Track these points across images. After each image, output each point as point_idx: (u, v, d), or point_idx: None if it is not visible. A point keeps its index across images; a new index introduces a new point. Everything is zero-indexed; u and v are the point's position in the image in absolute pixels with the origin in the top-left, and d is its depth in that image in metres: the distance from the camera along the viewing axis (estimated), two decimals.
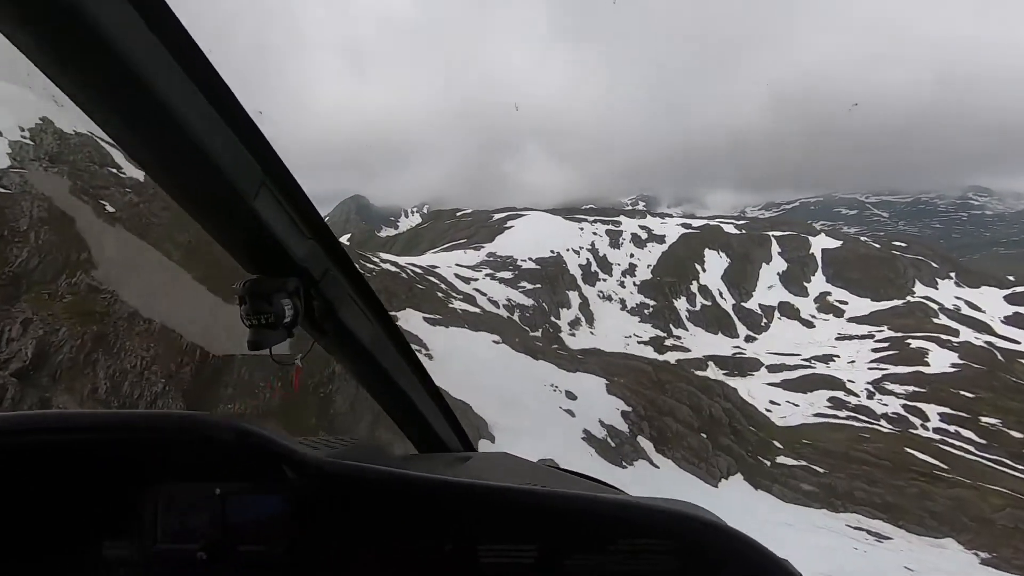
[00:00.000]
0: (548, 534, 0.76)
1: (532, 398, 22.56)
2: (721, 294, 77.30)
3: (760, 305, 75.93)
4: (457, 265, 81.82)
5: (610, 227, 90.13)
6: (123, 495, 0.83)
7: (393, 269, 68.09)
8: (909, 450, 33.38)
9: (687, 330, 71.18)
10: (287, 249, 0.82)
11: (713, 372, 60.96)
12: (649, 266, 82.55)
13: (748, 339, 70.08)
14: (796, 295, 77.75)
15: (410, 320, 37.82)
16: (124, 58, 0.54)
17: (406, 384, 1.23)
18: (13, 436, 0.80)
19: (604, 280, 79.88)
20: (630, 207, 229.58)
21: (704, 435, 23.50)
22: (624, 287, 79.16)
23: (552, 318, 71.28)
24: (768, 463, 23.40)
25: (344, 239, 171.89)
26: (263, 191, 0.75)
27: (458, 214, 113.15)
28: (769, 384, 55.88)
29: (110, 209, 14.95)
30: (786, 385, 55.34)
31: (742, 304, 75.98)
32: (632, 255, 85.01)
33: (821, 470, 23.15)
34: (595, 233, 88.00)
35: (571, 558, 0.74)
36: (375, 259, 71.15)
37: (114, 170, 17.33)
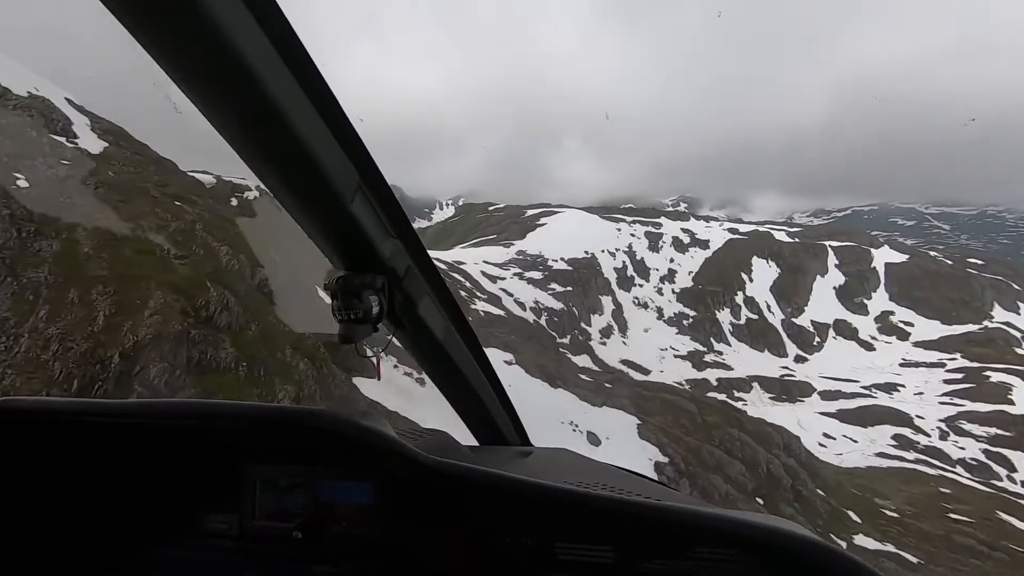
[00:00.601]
0: (631, 539, 0.77)
1: (544, 440, 18.36)
2: (769, 307, 70.78)
3: (813, 322, 69.08)
4: (485, 262, 77.90)
5: (650, 229, 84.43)
6: (231, 476, 0.91)
7: None
8: (1003, 515, 27.48)
9: (730, 345, 65.19)
10: (376, 248, 0.86)
11: (758, 395, 55.09)
12: (691, 273, 76.60)
13: (798, 359, 63.60)
14: (854, 313, 70.49)
15: None
16: (241, 61, 0.57)
17: (473, 378, 1.28)
18: (156, 418, 0.91)
19: (640, 286, 74.48)
20: (671, 208, 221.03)
21: (760, 500, 18.75)
22: (662, 294, 73.57)
23: (582, 324, 66.56)
24: (844, 543, 18.58)
25: None
26: (359, 194, 0.78)
27: (490, 208, 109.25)
28: (823, 414, 49.75)
29: None
30: (843, 416, 49.12)
31: (793, 320, 69.30)
32: (672, 260, 79.18)
33: (914, 559, 18.03)
34: (633, 234, 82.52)
35: (651, 563, 0.76)
36: None
37: None
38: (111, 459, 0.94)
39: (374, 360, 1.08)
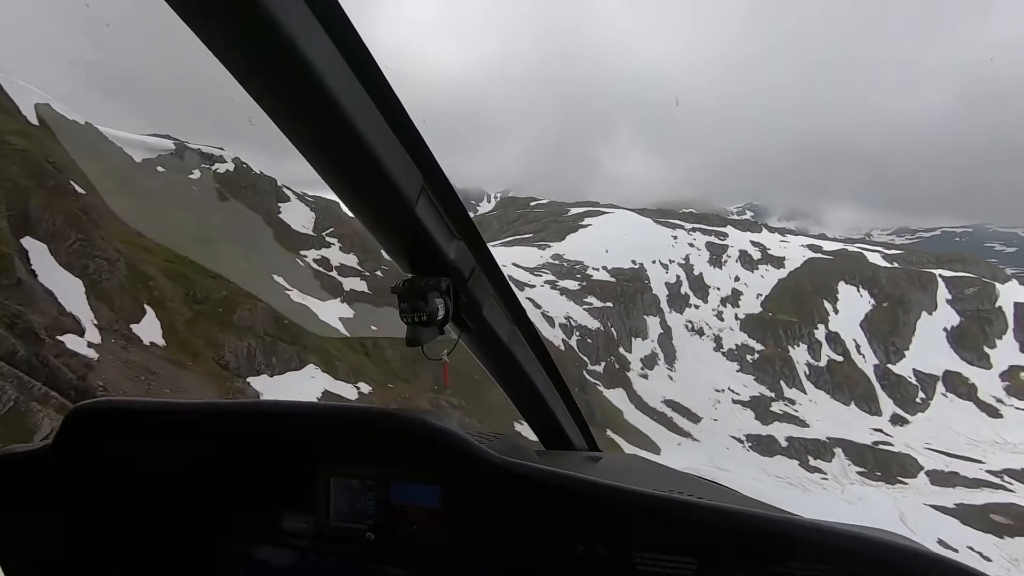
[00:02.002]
0: (715, 550, 0.74)
1: None
2: (859, 348, 57.06)
3: (916, 372, 54.92)
4: (514, 264, 67.92)
5: (713, 239, 71.70)
6: (306, 477, 0.91)
7: None
8: None
9: (805, 393, 52.31)
10: (440, 250, 0.86)
11: (842, 467, 42.45)
12: (759, 296, 63.58)
13: (896, 420, 50.02)
14: (972, 364, 55.73)
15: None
16: (312, 71, 0.58)
17: (539, 381, 1.27)
18: (234, 418, 0.92)
19: (696, 307, 62.26)
20: (735, 216, 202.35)
21: None
22: (722, 319, 61.11)
23: (621, 349, 55.55)
24: None
25: None
26: (423, 196, 0.78)
27: (532, 204, 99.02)
28: (934, 508, 36.80)
29: None
30: (965, 516, 36.01)
31: (889, 367, 55.39)
32: (738, 278, 66.30)
33: None
34: (692, 244, 70.10)
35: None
36: None
37: None
38: (194, 460, 0.94)
39: (443, 363, 1.05)
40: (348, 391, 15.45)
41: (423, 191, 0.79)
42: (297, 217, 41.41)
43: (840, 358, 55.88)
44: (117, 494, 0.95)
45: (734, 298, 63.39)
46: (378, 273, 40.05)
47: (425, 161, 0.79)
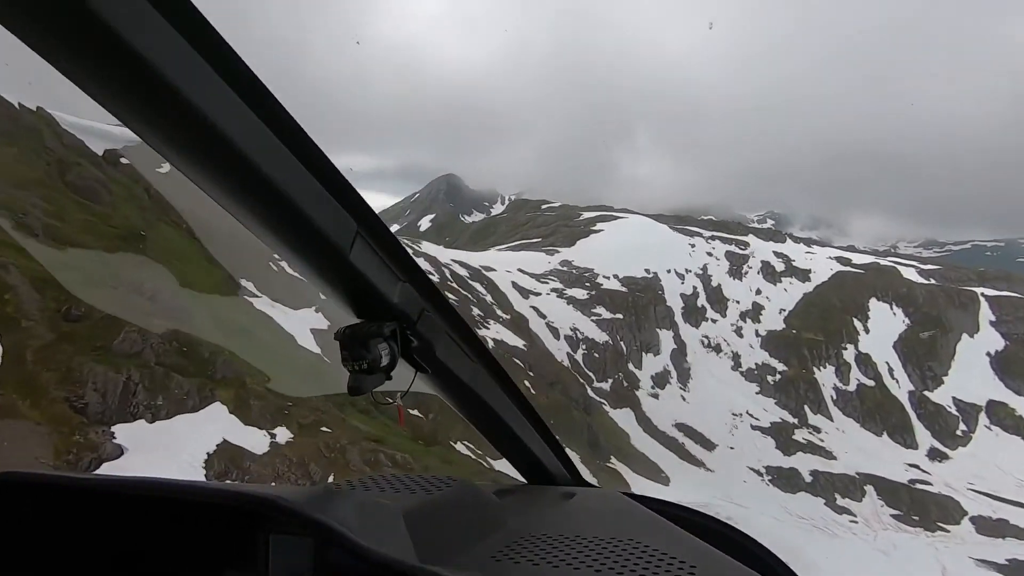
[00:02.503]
0: None
1: None
2: (892, 372, 52.24)
3: (956, 401, 49.95)
4: (519, 271, 64.30)
5: (733, 248, 67.25)
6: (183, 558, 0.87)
7: (426, 267, 52.05)
8: None
9: (831, 420, 47.74)
10: (384, 294, 0.85)
11: (874, 508, 37.93)
12: (783, 311, 59.03)
13: (935, 455, 45.23)
14: (1020, 393, 50.55)
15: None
16: (226, 134, 0.59)
17: (510, 416, 1.26)
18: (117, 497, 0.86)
19: (714, 321, 57.95)
20: (755, 224, 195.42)
21: None
22: (742, 335, 56.71)
23: (630, 365, 51.51)
24: None
25: (426, 220, 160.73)
26: (358, 240, 0.78)
27: (543, 207, 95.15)
28: (981, 562, 32.18)
29: None
30: (1018, 574, 31.42)
31: (926, 394, 50.49)
32: (759, 291, 61.80)
33: None
34: (711, 253, 65.77)
35: None
36: (409, 250, 55.40)
37: None
38: (111, 535, 0.88)
39: (397, 407, 1.04)
40: (257, 440, 12.04)
41: (358, 237, 0.78)
42: None
43: (871, 382, 51.15)
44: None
45: (755, 313, 58.93)
46: None
47: (358, 207, 0.78)
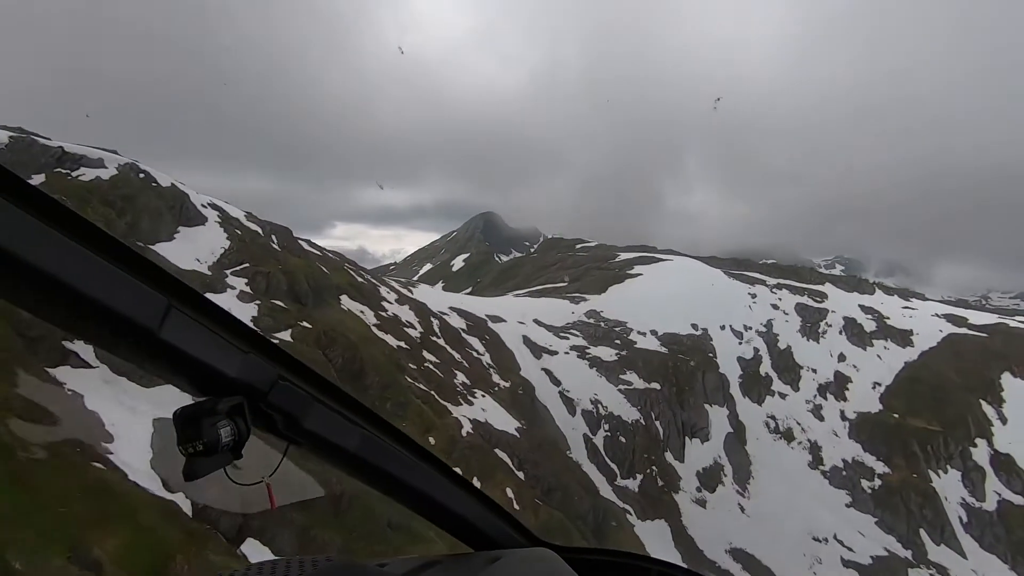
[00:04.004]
0: None
1: None
2: None
3: None
4: (535, 321, 53.46)
5: (805, 300, 53.87)
6: None
7: (408, 318, 42.10)
8: None
9: (964, 557, 33.06)
10: (219, 368, 0.81)
11: None
12: (877, 386, 44.92)
13: None
14: None
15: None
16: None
17: (424, 483, 1.18)
18: None
19: (783, 395, 44.56)
20: (823, 270, 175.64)
21: None
22: (822, 417, 42.99)
23: (668, 455, 39.00)
24: None
25: (460, 259, 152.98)
26: (171, 316, 0.74)
27: (578, 247, 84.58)
28: None
29: None
30: None
31: None
32: (843, 357, 47.98)
33: None
34: (777, 306, 52.66)
35: None
36: (393, 295, 46.11)
37: None
38: None
39: (264, 487, 0.97)
40: None
41: (170, 312, 0.73)
42: (200, 245, 29.65)
43: (1020, 498, 36.12)
44: None
45: (839, 386, 45.09)
46: (287, 336, 27.14)
47: (166, 283, 0.74)
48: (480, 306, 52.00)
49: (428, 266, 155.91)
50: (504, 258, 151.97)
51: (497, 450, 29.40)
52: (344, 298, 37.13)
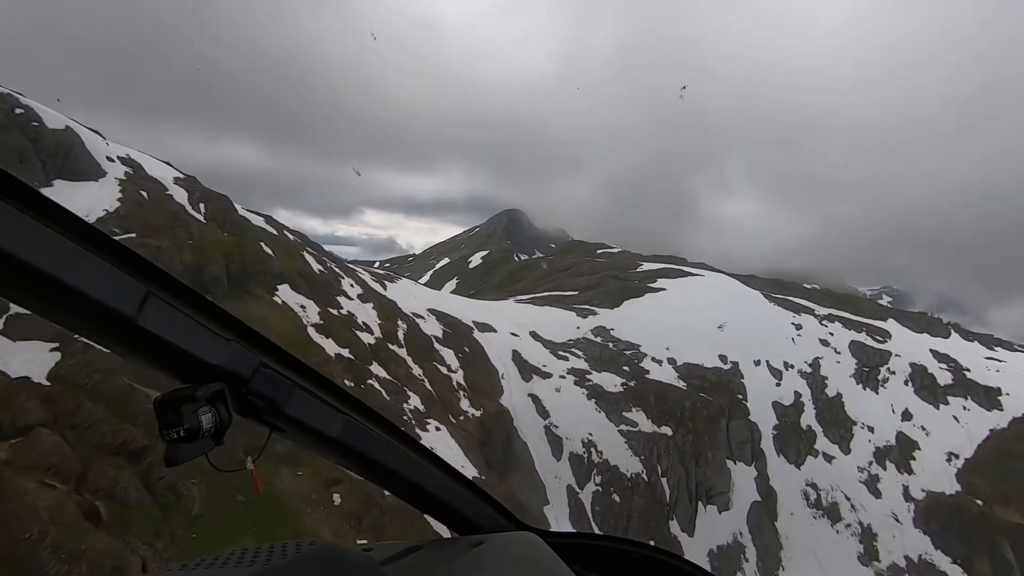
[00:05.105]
0: None
1: None
2: None
3: None
4: (532, 335, 45.36)
5: (863, 337, 44.27)
6: None
7: (366, 319, 34.58)
8: None
9: None
10: (201, 355, 0.81)
11: None
12: (954, 459, 35.37)
13: None
14: None
15: None
16: None
17: (407, 468, 1.20)
18: None
19: (828, 459, 35.48)
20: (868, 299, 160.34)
21: None
22: (878, 493, 33.74)
23: (673, 523, 30.30)
24: None
25: (478, 256, 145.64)
26: (149, 302, 0.74)
27: (599, 251, 75.96)
28: None
29: None
30: None
31: None
32: (910, 416, 38.48)
33: None
34: (827, 342, 43.33)
35: None
36: (357, 290, 38.77)
37: None
38: None
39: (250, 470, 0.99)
40: None
41: (148, 299, 0.73)
42: (76, 204, 22.72)
43: None
44: None
45: (903, 454, 35.69)
46: None
47: (145, 270, 0.74)
48: (469, 310, 44.20)
49: (446, 260, 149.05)
50: (524, 258, 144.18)
51: (427, 515, 21.71)
52: (284, 288, 29.86)
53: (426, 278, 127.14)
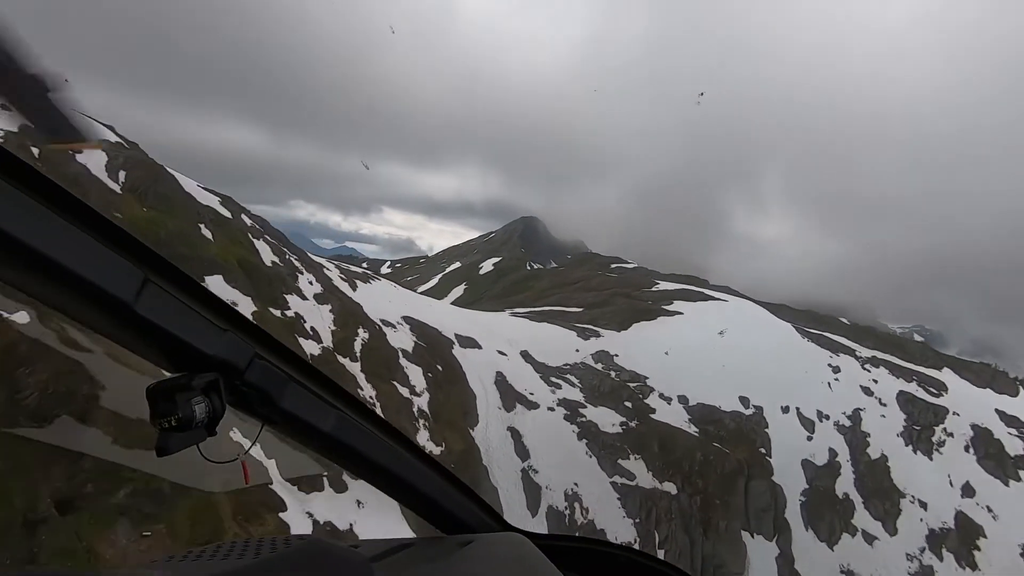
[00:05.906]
0: None
1: None
2: None
3: None
4: (523, 355, 39.64)
5: (912, 388, 37.48)
6: None
7: (317, 324, 29.24)
8: None
9: None
10: (196, 344, 0.80)
11: None
12: None
13: None
14: None
15: None
16: None
17: (398, 465, 1.19)
18: None
19: (869, 539, 28.90)
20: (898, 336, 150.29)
21: None
22: None
23: None
24: None
25: (489, 263, 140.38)
26: (148, 289, 0.73)
27: (613, 266, 69.92)
28: None
29: None
30: None
31: None
32: (971, 491, 31.64)
33: None
34: (870, 390, 36.68)
35: None
36: (317, 288, 33.52)
37: None
38: None
39: (239, 463, 0.99)
40: None
41: (147, 285, 0.72)
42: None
43: None
44: None
45: (964, 539, 28.90)
46: None
47: (144, 256, 0.73)
48: (455, 321, 38.64)
49: (457, 264, 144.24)
50: (536, 265, 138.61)
51: None
52: (215, 279, 24.43)
53: (434, 281, 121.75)
